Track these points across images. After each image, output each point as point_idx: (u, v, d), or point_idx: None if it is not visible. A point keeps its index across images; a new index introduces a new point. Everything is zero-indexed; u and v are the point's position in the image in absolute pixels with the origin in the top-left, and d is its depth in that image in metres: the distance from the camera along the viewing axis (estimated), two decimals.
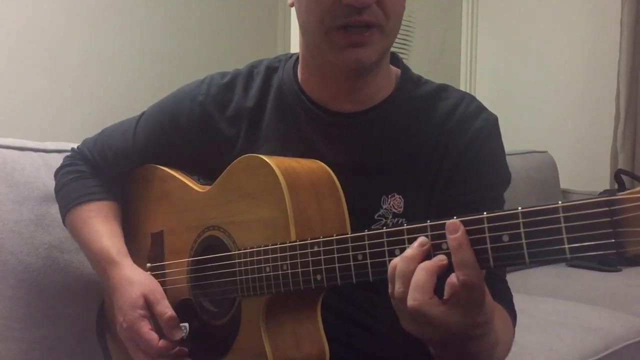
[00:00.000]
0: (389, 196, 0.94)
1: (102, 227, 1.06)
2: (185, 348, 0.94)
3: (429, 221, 0.68)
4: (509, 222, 0.61)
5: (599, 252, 0.55)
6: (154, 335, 0.93)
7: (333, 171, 0.90)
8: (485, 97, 3.51)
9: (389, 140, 0.95)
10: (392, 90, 0.97)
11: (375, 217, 0.94)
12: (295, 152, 0.95)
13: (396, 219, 0.93)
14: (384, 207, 0.94)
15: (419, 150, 0.94)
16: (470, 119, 0.95)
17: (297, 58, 1.01)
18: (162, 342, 0.92)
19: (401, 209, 0.93)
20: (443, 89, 0.99)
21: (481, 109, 0.98)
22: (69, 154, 1.18)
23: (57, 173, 1.16)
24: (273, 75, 1.01)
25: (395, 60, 1.01)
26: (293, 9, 0.94)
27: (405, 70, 1.00)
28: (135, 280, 0.98)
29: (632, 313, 1.80)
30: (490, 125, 0.96)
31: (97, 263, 1.05)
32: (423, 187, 0.94)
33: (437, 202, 0.95)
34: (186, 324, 0.94)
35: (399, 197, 0.94)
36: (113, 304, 1.12)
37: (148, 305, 0.95)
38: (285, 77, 1.00)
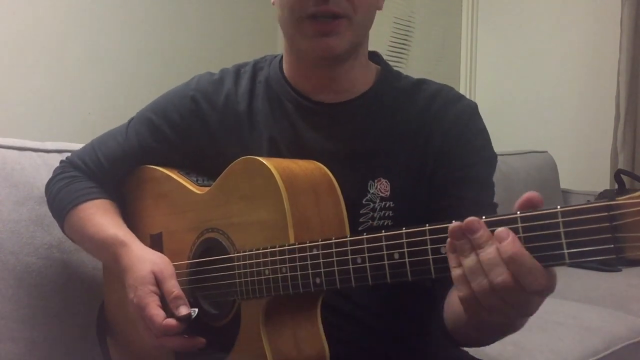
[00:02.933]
0: (376, 180, 0.96)
1: (104, 219, 1.05)
2: (189, 333, 0.91)
3: (427, 225, 0.68)
4: (508, 226, 0.61)
5: (598, 257, 0.55)
6: (160, 312, 0.90)
7: (320, 158, 0.92)
8: (485, 97, 3.52)
9: (373, 128, 0.98)
10: (373, 83, 1.01)
11: (363, 201, 0.96)
12: (287, 141, 0.98)
13: (384, 203, 0.95)
14: (371, 191, 0.96)
15: (403, 135, 0.97)
16: (451, 104, 0.99)
17: (282, 56, 1.04)
18: (167, 320, 0.89)
19: (388, 192, 0.96)
20: (422, 81, 1.03)
21: (461, 96, 1.02)
22: (57, 166, 1.16)
23: (48, 184, 1.14)
24: (259, 72, 1.05)
25: (376, 57, 1.05)
26: None
27: (386, 65, 1.04)
28: (146, 258, 0.96)
29: (632, 313, 1.80)
30: (470, 109, 1.00)
31: (106, 250, 1.02)
32: (410, 171, 0.97)
33: (427, 185, 0.96)
34: (196, 309, 0.91)
35: (385, 181, 0.96)
36: (112, 303, 1.12)
37: (157, 282, 0.93)
38: (271, 72, 1.03)
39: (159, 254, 0.99)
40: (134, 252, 0.98)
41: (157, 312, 0.90)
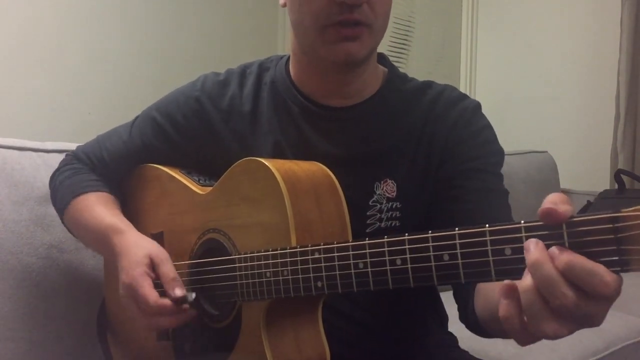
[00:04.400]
0: (382, 182, 0.96)
1: (102, 210, 1.04)
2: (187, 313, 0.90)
3: (430, 232, 0.67)
4: (511, 235, 0.60)
5: None
6: (153, 292, 0.89)
7: (326, 162, 0.92)
8: (485, 97, 3.52)
9: (378, 131, 0.98)
10: (379, 86, 1.01)
11: (370, 203, 0.96)
12: (292, 144, 0.98)
13: (390, 203, 0.96)
14: (378, 192, 0.96)
15: (407, 137, 0.98)
16: (454, 103, 0.99)
17: (289, 57, 1.04)
18: (161, 300, 0.88)
19: (394, 193, 0.96)
20: (428, 85, 1.03)
21: (463, 95, 1.02)
22: (63, 158, 1.17)
23: (53, 175, 1.15)
24: (265, 74, 1.05)
25: (382, 59, 1.05)
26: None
27: (392, 68, 1.04)
28: (142, 244, 0.96)
29: (632, 313, 1.80)
30: (472, 107, 1.00)
31: (102, 239, 1.01)
32: (415, 172, 0.97)
33: (433, 183, 0.96)
34: (194, 293, 0.91)
35: (392, 182, 0.96)
36: (113, 301, 1.12)
37: (153, 267, 0.92)
38: (277, 75, 1.03)
39: (155, 242, 0.98)
40: (130, 238, 0.97)
41: (150, 292, 0.89)
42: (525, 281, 0.56)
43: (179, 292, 0.89)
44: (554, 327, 0.55)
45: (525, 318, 0.57)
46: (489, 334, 0.85)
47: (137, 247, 0.95)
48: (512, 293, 0.58)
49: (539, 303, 0.55)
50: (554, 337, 0.57)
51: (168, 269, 0.91)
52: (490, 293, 0.78)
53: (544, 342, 1.50)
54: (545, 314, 0.55)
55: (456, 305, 0.94)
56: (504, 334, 0.79)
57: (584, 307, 0.54)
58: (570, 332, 0.56)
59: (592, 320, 0.56)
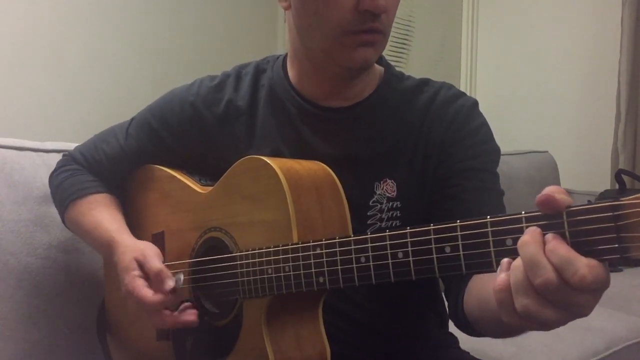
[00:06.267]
0: (382, 182, 0.96)
1: (101, 215, 1.06)
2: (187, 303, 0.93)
3: (432, 225, 0.67)
4: (512, 226, 0.61)
5: (603, 257, 0.54)
6: (147, 291, 0.91)
7: (325, 163, 0.92)
8: (485, 97, 3.53)
9: (377, 131, 0.98)
10: (376, 86, 1.01)
11: (370, 203, 0.96)
12: (291, 146, 0.98)
13: (391, 203, 0.96)
14: (378, 192, 0.96)
15: (405, 137, 0.98)
16: (450, 102, 0.99)
17: (284, 58, 1.03)
18: (155, 296, 0.90)
19: (394, 193, 0.96)
20: (425, 82, 1.03)
21: (460, 93, 1.02)
22: (61, 158, 1.17)
23: (51, 176, 1.16)
24: (262, 75, 1.04)
25: (379, 58, 1.04)
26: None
27: (388, 66, 1.04)
28: (129, 248, 0.97)
29: (633, 313, 1.80)
30: (469, 105, 0.99)
31: (101, 247, 1.05)
32: (413, 171, 0.97)
33: (432, 182, 0.96)
34: (180, 275, 0.93)
35: (391, 182, 0.96)
36: (113, 302, 1.12)
37: (141, 266, 0.94)
38: (275, 76, 1.02)
39: (145, 242, 1.00)
40: (121, 246, 0.99)
41: (144, 292, 0.91)
42: (516, 260, 0.58)
43: (169, 283, 0.91)
44: (537, 306, 0.56)
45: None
46: (476, 332, 0.86)
47: (125, 254, 0.97)
48: (510, 267, 0.60)
49: (525, 280, 0.57)
50: (539, 320, 0.57)
51: (151, 264, 0.93)
52: (484, 293, 0.78)
53: (544, 342, 1.50)
54: (530, 292, 0.56)
55: None
56: (491, 333, 0.82)
57: (568, 293, 0.55)
58: (556, 317, 0.57)
59: (580, 309, 0.57)
